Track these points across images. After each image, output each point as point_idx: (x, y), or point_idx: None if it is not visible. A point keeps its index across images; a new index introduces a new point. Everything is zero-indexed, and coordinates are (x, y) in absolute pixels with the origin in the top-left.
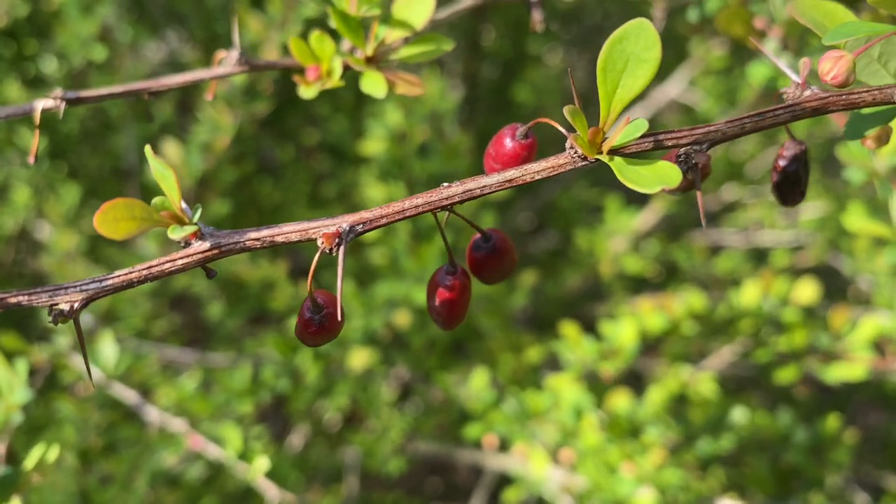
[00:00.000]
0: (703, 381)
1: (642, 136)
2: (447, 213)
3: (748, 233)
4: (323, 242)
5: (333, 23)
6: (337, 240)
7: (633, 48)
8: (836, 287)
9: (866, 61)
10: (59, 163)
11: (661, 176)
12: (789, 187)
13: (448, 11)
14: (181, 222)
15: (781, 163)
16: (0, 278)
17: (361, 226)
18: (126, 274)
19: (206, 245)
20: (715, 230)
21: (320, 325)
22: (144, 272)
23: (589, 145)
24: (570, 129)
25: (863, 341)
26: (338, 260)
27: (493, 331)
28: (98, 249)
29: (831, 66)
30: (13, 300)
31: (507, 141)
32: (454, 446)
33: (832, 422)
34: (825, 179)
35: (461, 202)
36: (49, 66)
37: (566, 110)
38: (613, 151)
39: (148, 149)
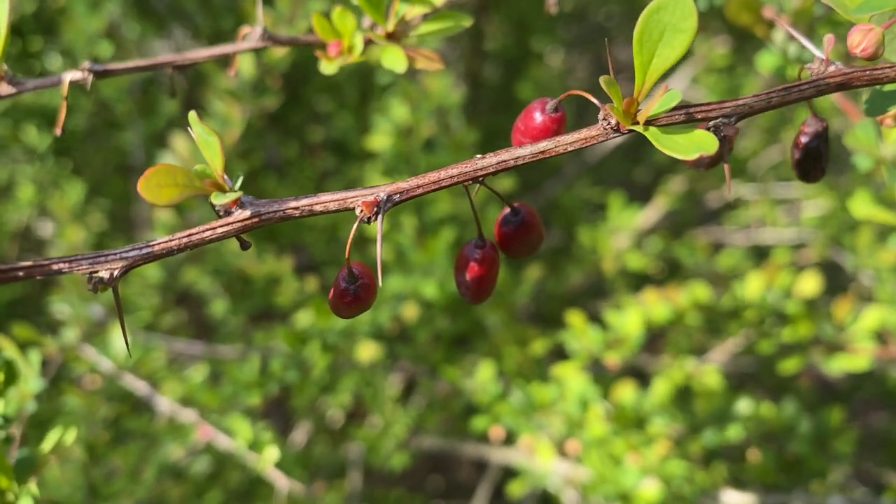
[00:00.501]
0: (707, 373)
1: (674, 109)
2: (478, 185)
3: (750, 230)
4: (362, 210)
5: None
6: (375, 208)
7: (669, 18)
8: (839, 283)
9: (890, 37)
10: (64, 160)
11: (697, 143)
12: (811, 163)
13: None
14: (223, 190)
15: (803, 139)
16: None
17: (399, 195)
18: (167, 241)
19: (247, 213)
20: (717, 227)
21: (355, 295)
22: (185, 240)
23: (624, 115)
24: (603, 102)
25: (866, 331)
26: (377, 228)
27: (498, 325)
28: (104, 245)
29: (861, 39)
30: (56, 267)
31: (537, 115)
32: (458, 440)
33: (836, 413)
34: (828, 176)
35: (495, 173)
36: (54, 62)
37: (602, 80)
38: (649, 122)
39: (192, 115)
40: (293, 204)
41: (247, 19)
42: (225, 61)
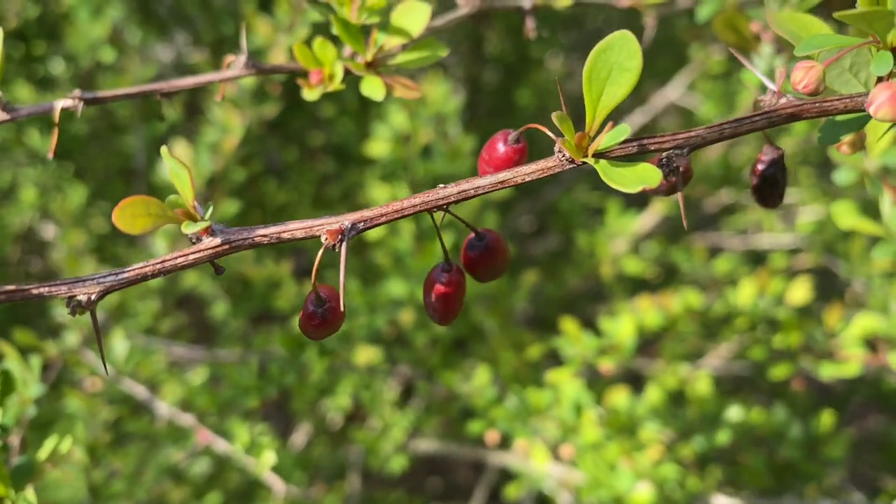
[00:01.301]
0: (699, 379)
1: (627, 141)
2: (443, 213)
3: (747, 235)
4: (327, 238)
5: (335, 29)
6: (340, 236)
7: (616, 58)
8: (835, 289)
9: (838, 71)
10: (67, 163)
11: (641, 176)
12: (768, 190)
13: (444, 19)
14: (193, 219)
15: (760, 167)
16: (6, 277)
17: (363, 223)
18: (141, 268)
19: (217, 241)
20: (714, 233)
21: (323, 318)
22: (158, 266)
23: (576, 149)
24: (559, 135)
25: (855, 338)
26: (340, 256)
27: (495, 329)
28: (106, 248)
29: (803, 76)
30: (36, 291)
31: (500, 145)
32: (456, 444)
33: (827, 418)
34: (822, 183)
35: (456, 202)
36: (57, 67)
37: (554, 117)
38: (599, 154)
39: (164, 149)
40: (262, 231)
41: (250, 28)
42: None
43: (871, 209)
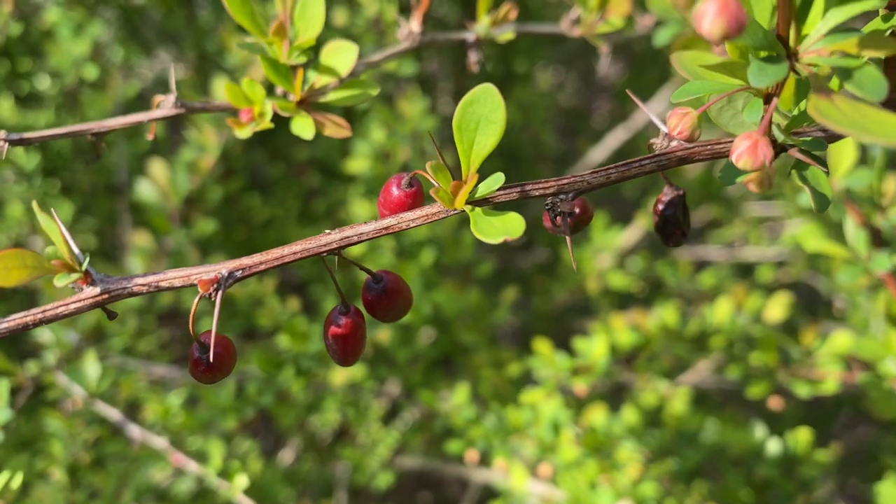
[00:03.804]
0: (677, 396)
1: (509, 187)
2: (336, 256)
3: (733, 248)
4: (202, 289)
5: (263, 69)
6: (215, 285)
7: (482, 110)
8: (820, 303)
9: (731, 112)
10: (53, 180)
11: (507, 227)
12: (670, 228)
13: (383, 55)
14: (72, 270)
15: (660, 207)
16: None
17: (240, 272)
18: (22, 317)
19: (97, 290)
20: (700, 246)
21: (209, 364)
22: (39, 315)
23: (450, 197)
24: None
25: (832, 356)
26: (216, 304)
27: (477, 346)
28: (92, 263)
29: (677, 122)
30: None
31: (394, 189)
32: (441, 461)
33: (803, 435)
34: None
35: (339, 248)
36: (42, 83)
37: (428, 167)
38: (475, 202)
39: (35, 205)
40: (140, 281)
41: (228, 48)
42: (206, 75)
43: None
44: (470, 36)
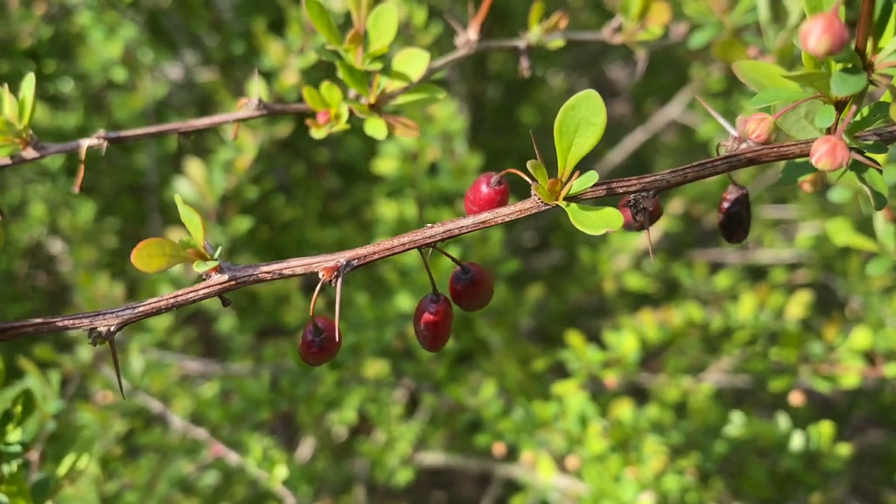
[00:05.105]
0: (701, 391)
1: (597, 185)
2: (431, 249)
3: (747, 251)
4: (324, 275)
5: (341, 74)
6: (336, 272)
7: (583, 114)
8: (834, 303)
9: (795, 118)
10: (75, 179)
11: (606, 220)
12: (734, 226)
13: (443, 61)
14: (204, 258)
15: (725, 205)
16: (14, 292)
17: (357, 260)
18: (156, 302)
19: (225, 277)
20: (715, 248)
21: (320, 347)
22: (171, 300)
23: (549, 193)
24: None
25: (854, 351)
26: (336, 290)
27: (500, 343)
28: (115, 263)
29: (755, 127)
30: (60, 324)
31: (483, 187)
32: (461, 456)
33: (826, 428)
34: (821, 200)
35: (442, 240)
36: (66, 85)
37: (529, 165)
38: (570, 198)
39: (178, 198)
40: (265, 268)
41: (262, 49)
42: (233, 77)
43: (866, 226)
44: (521, 43)
